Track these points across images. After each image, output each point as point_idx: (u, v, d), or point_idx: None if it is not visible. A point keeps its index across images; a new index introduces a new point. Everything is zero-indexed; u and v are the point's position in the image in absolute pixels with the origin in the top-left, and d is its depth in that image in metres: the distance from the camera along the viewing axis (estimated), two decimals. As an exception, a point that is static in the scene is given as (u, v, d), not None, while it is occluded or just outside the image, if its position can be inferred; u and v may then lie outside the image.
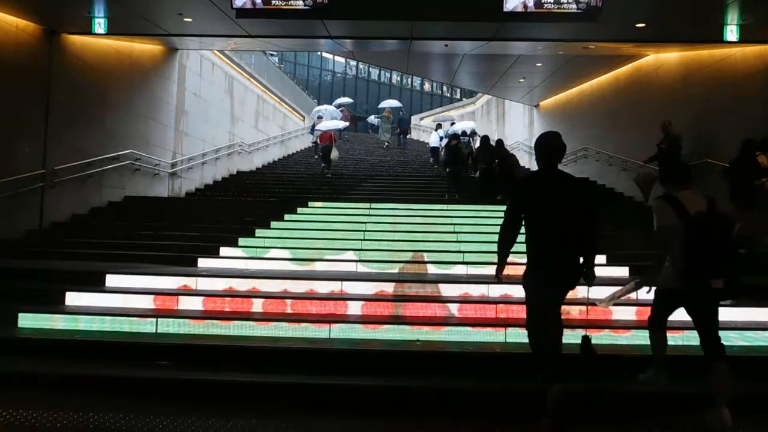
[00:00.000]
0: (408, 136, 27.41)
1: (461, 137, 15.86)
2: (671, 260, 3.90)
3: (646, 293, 4.29)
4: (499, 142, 14.24)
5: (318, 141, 17.51)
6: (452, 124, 22.05)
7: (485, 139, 14.06)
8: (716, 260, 3.66)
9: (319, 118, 21.69)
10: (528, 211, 3.83)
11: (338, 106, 25.71)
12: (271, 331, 5.07)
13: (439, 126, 20.39)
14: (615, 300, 4.64)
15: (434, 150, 18.90)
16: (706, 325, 3.80)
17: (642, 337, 4.96)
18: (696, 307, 3.83)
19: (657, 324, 4.23)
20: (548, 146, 3.86)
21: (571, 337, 5.03)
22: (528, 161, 21.06)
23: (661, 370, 4.21)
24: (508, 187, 4.93)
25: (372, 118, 30.62)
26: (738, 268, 3.74)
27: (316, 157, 17.16)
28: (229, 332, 5.06)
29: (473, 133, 18.96)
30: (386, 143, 24.77)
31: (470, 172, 15.18)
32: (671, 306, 4.13)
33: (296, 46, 17.04)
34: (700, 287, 3.70)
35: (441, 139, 18.59)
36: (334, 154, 16.52)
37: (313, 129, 20.44)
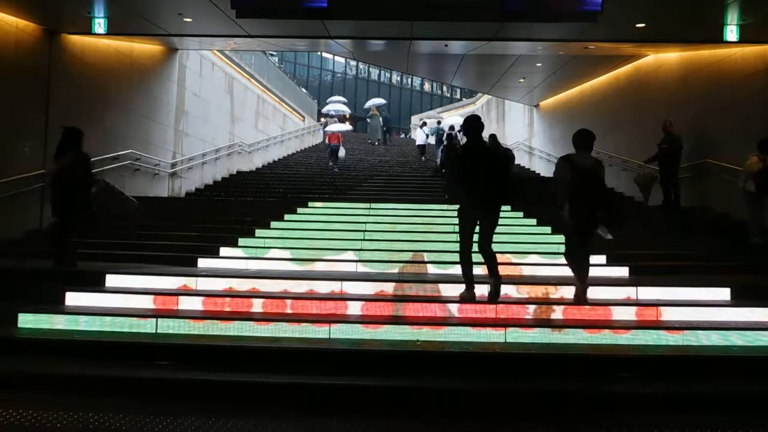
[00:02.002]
0: (401, 135, 28.65)
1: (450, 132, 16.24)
2: (569, 201, 5.48)
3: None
4: (493, 137, 14.21)
5: (327, 140, 20.05)
6: (439, 122, 22.78)
7: (494, 137, 13.95)
8: (595, 199, 5.42)
9: (330, 116, 25.22)
10: (464, 167, 5.72)
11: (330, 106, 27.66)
12: (271, 331, 5.07)
13: (424, 124, 22.05)
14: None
15: (420, 147, 21.04)
16: (585, 242, 5.63)
17: (642, 338, 4.98)
18: (583, 232, 5.57)
19: (576, 252, 5.69)
20: (476, 127, 5.79)
21: (573, 336, 5.07)
22: (528, 161, 21.09)
23: (583, 283, 5.69)
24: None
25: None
26: (610, 209, 5.55)
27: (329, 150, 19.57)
28: (229, 332, 5.05)
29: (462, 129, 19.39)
30: (374, 140, 26.15)
31: None
32: (581, 237, 5.63)
33: (296, 46, 17.06)
34: (587, 217, 5.44)
35: (427, 136, 20.67)
36: (342, 152, 18.79)
37: (325, 125, 23.53)
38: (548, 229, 9.21)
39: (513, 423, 3.73)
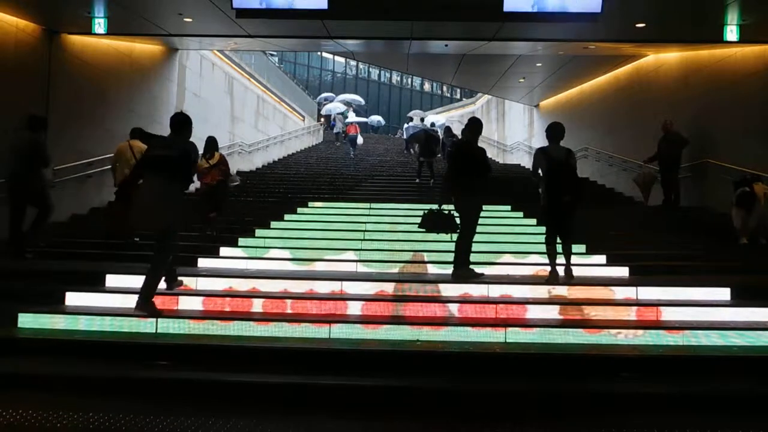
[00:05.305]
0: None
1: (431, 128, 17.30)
2: (543, 188, 6.34)
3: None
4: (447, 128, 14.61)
5: (345, 131, 24.25)
6: (422, 119, 24.14)
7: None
8: (564, 185, 6.21)
9: (345, 116, 28.54)
10: (459, 160, 6.80)
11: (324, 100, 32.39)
12: (271, 331, 5.07)
13: (410, 119, 25.18)
14: None
15: (407, 141, 22.91)
16: (564, 227, 6.34)
17: (642, 338, 4.97)
18: (558, 215, 6.29)
19: (551, 240, 6.36)
20: (479, 130, 6.90)
21: (573, 336, 5.07)
22: (528, 161, 21.10)
23: (554, 272, 6.31)
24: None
25: (373, 119, 32.78)
26: (577, 193, 6.29)
27: (338, 144, 24.48)
28: (229, 332, 5.05)
29: (442, 126, 22.42)
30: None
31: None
32: (553, 220, 6.35)
33: (296, 46, 17.08)
34: (557, 201, 6.22)
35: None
36: (360, 140, 22.86)
37: (334, 121, 27.57)
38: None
39: (513, 423, 3.72)
